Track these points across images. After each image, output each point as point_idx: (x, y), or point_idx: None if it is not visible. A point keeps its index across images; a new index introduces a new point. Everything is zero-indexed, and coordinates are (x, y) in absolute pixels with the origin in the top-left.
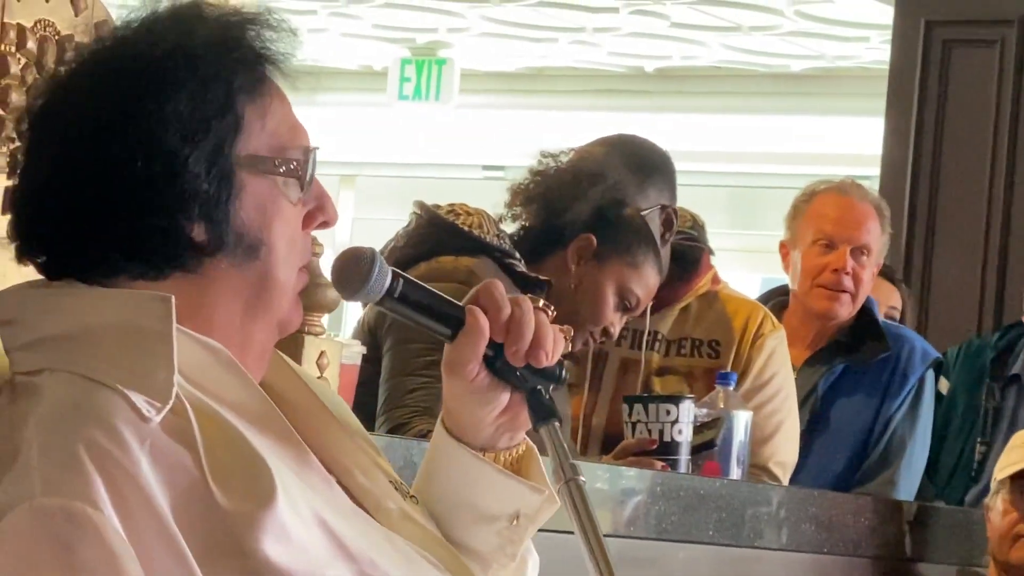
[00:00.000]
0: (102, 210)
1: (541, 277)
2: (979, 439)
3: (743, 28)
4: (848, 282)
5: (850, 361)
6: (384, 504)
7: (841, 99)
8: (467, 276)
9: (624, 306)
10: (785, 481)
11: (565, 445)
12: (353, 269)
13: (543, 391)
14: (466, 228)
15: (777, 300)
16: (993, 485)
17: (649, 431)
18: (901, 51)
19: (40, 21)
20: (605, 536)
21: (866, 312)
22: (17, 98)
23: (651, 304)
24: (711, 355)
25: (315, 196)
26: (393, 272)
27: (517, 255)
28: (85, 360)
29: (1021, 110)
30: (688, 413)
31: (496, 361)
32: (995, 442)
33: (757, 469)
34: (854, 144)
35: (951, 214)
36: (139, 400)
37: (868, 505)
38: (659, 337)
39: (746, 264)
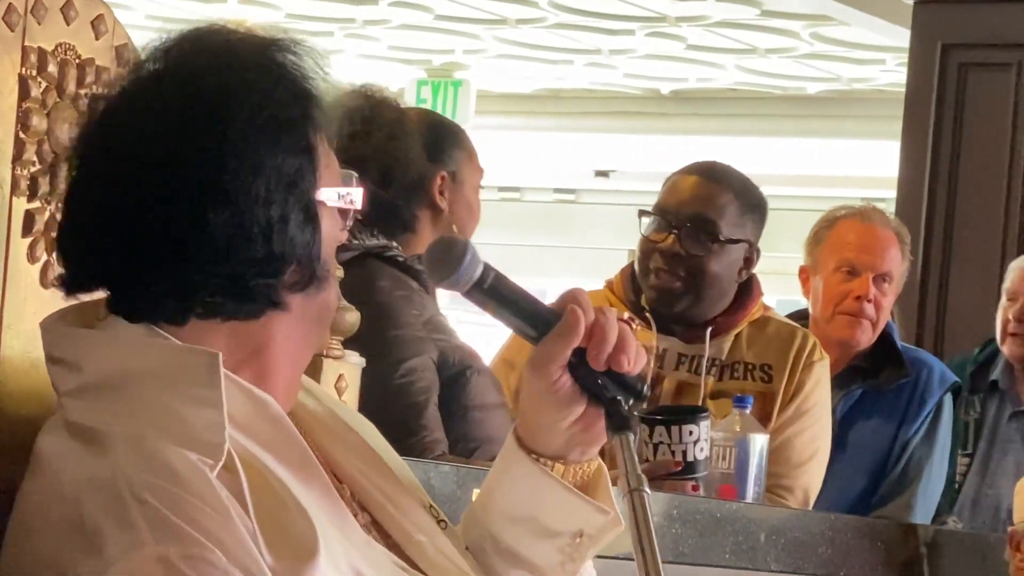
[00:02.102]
0: (204, 257)
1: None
2: (961, 451)
3: (759, 50)
4: (870, 309)
5: (868, 386)
6: (415, 537)
7: (857, 121)
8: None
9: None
10: (809, 507)
11: (636, 457)
12: (447, 255)
13: (622, 402)
14: None
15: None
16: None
17: (672, 452)
18: (917, 74)
19: (61, 44)
20: (621, 559)
21: (885, 337)
22: (38, 122)
23: (711, 330)
24: (764, 379)
25: (349, 216)
26: (486, 264)
27: (393, 244)
28: (135, 418)
29: None
30: (707, 429)
31: (579, 367)
32: (977, 453)
33: (786, 492)
34: (870, 166)
35: (967, 236)
36: (193, 458)
37: (884, 528)
38: (715, 362)
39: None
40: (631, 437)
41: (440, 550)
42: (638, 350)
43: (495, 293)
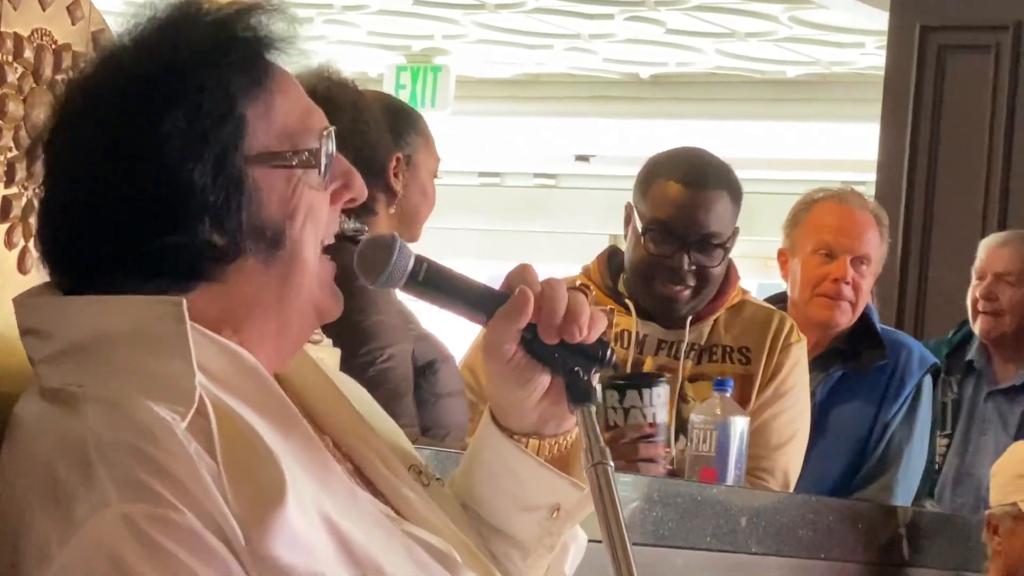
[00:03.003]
0: (115, 232)
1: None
2: (940, 432)
3: (738, 34)
4: (848, 291)
5: (848, 368)
6: (402, 492)
7: (836, 105)
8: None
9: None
10: (790, 489)
11: (597, 429)
12: (374, 254)
13: (581, 372)
14: None
15: (776, 307)
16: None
17: (643, 415)
18: (896, 57)
19: (37, 30)
20: (601, 542)
21: (865, 319)
22: (14, 108)
23: (691, 318)
24: (742, 361)
25: (340, 174)
26: (417, 257)
27: (365, 228)
28: (105, 377)
29: (1016, 115)
30: (667, 394)
31: (533, 342)
32: (956, 433)
33: (766, 474)
34: (849, 149)
35: (947, 218)
36: (163, 411)
37: (865, 511)
38: (694, 346)
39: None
40: (592, 409)
41: (428, 503)
42: (593, 318)
43: (432, 283)
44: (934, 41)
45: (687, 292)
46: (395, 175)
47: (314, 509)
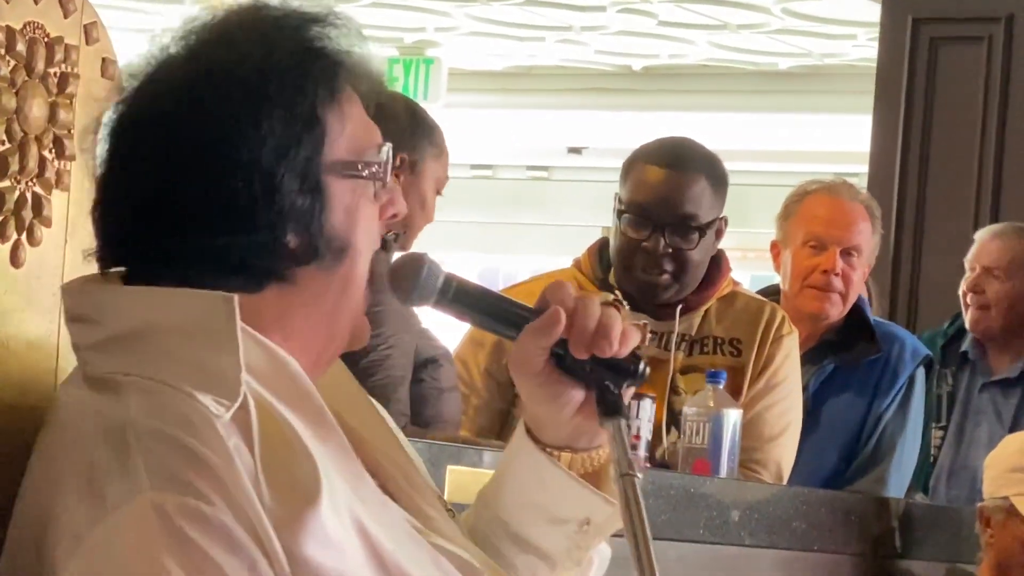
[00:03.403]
0: (196, 227)
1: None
2: (935, 424)
3: (730, 26)
4: (838, 283)
5: (841, 360)
6: (425, 511)
7: (829, 96)
8: None
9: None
10: (783, 482)
11: (627, 442)
12: (404, 272)
13: (611, 387)
14: None
15: (771, 300)
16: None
17: (629, 427)
18: (888, 48)
19: (29, 23)
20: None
21: (857, 312)
22: (7, 100)
23: (680, 308)
24: (733, 353)
25: (390, 189)
26: (447, 275)
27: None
28: (154, 365)
29: (1008, 107)
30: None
31: (565, 357)
32: (951, 425)
33: (759, 466)
34: (842, 141)
35: (939, 210)
36: (208, 400)
37: (858, 503)
38: (685, 338)
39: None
40: (622, 423)
41: (449, 525)
42: (625, 333)
43: (462, 300)
44: (926, 33)
45: (665, 277)
46: (396, 176)
47: (347, 512)
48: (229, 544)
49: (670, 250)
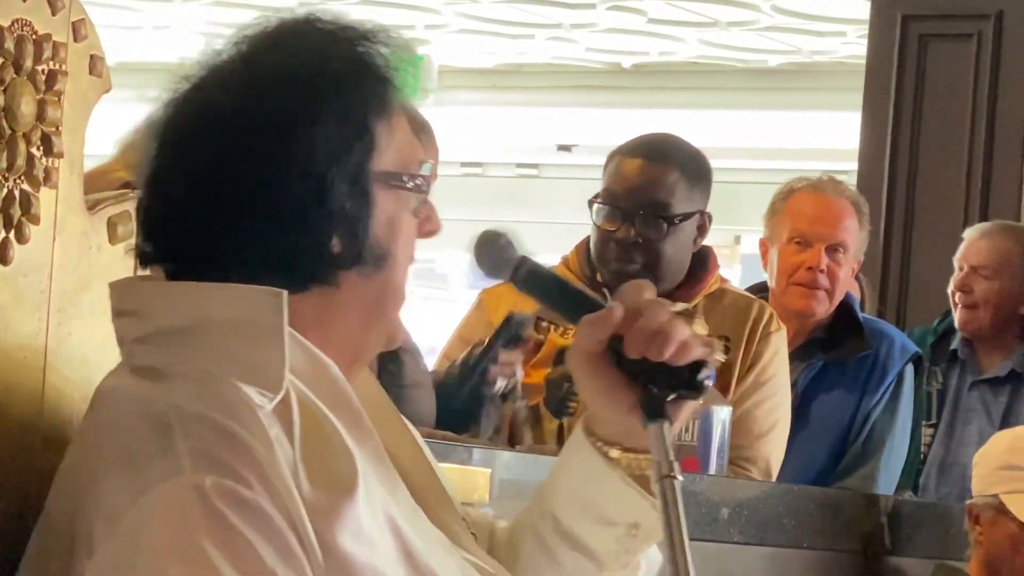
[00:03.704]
0: (248, 228)
1: None
2: (925, 422)
3: (720, 23)
4: (824, 280)
5: (830, 357)
6: (452, 526)
7: (818, 94)
8: None
9: None
10: (772, 479)
11: (669, 444)
12: (483, 245)
13: (656, 391)
14: None
15: (759, 297)
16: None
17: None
18: (878, 45)
19: (17, 20)
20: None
21: (846, 309)
22: None
23: None
24: (721, 350)
25: (429, 208)
26: (521, 257)
27: None
28: (200, 357)
29: (997, 104)
30: None
31: (622, 357)
32: (941, 423)
33: (748, 463)
34: (831, 138)
35: (929, 207)
36: (251, 391)
37: (847, 500)
38: None
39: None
40: (665, 426)
41: (474, 544)
42: (686, 343)
43: (533, 281)
44: (915, 30)
45: (635, 267)
46: None
47: (381, 510)
48: (265, 528)
49: (640, 240)
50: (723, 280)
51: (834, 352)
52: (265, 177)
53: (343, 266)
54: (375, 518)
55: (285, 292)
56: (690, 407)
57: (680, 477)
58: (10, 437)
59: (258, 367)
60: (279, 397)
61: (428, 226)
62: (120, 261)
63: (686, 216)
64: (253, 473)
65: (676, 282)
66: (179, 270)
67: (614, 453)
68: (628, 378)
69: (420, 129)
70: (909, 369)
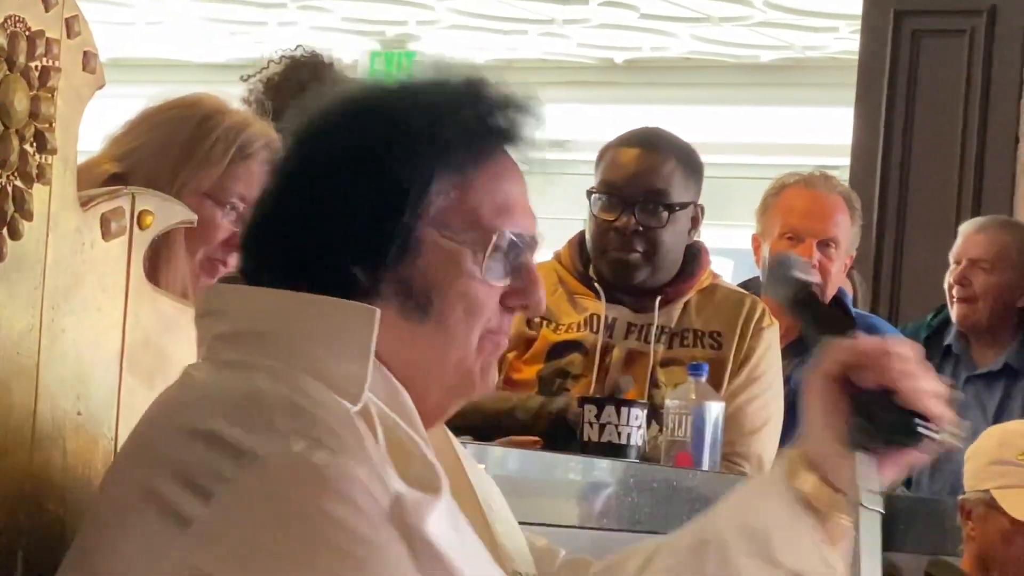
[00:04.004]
0: (331, 253)
1: None
2: None
3: (712, 19)
4: (815, 275)
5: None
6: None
7: (811, 89)
8: None
9: None
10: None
11: (871, 475)
12: (776, 265)
13: (873, 423)
14: None
15: (751, 293)
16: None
17: (618, 433)
18: (870, 41)
19: (10, 17)
20: (577, 528)
21: (839, 304)
22: None
23: (660, 299)
24: (713, 346)
25: (523, 279)
26: (805, 279)
27: None
28: (284, 359)
29: (990, 99)
30: (644, 419)
31: (855, 386)
32: None
33: (741, 459)
34: (824, 134)
35: (921, 202)
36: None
37: None
38: (665, 330)
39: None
40: (867, 458)
41: None
42: (928, 388)
43: (807, 304)
44: (908, 25)
45: (636, 256)
46: None
47: (460, 517)
48: (367, 503)
49: (640, 228)
50: (715, 275)
51: None
52: (330, 199)
53: (360, 294)
54: (455, 525)
55: (377, 310)
56: (903, 458)
57: (882, 511)
58: (3, 433)
59: (340, 377)
60: (357, 408)
61: (521, 300)
62: (113, 257)
63: (683, 205)
64: (351, 454)
65: (671, 275)
66: (257, 273)
67: (809, 483)
68: (853, 406)
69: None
70: None
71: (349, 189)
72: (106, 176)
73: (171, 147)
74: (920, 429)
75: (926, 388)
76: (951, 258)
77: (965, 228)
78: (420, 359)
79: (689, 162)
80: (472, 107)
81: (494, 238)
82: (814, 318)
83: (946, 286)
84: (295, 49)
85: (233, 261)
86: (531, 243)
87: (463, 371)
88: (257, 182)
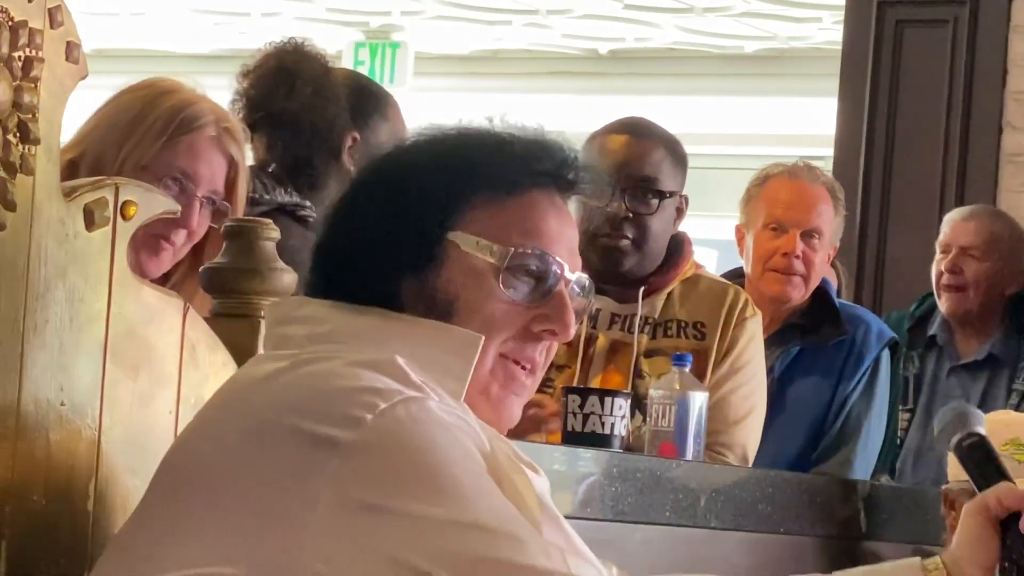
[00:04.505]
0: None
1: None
2: (902, 407)
3: (696, 9)
4: (799, 265)
5: (806, 343)
6: None
7: (795, 80)
8: None
9: None
10: (749, 464)
11: None
12: (954, 420)
13: (1014, 561)
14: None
15: (735, 283)
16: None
17: (602, 424)
18: (854, 31)
19: None
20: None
21: (823, 294)
22: None
23: (643, 289)
24: (697, 336)
25: (553, 305)
26: (977, 433)
27: (307, 203)
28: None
29: (973, 89)
30: (628, 409)
31: (1011, 526)
32: (918, 408)
33: (724, 449)
34: (808, 124)
35: (905, 193)
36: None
37: (823, 485)
38: (648, 320)
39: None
40: None
41: None
42: None
43: (971, 457)
44: (892, 15)
45: (626, 243)
46: (349, 154)
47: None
48: (478, 445)
49: (631, 215)
50: (698, 266)
51: (810, 338)
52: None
53: (417, 311)
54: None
55: (482, 338)
56: None
57: None
58: None
59: (442, 388)
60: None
61: (548, 324)
62: (97, 248)
63: (671, 194)
64: (461, 415)
65: (655, 264)
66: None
67: None
68: (1002, 545)
69: (379, 106)
70: (885, 354)
71: (393, 208)
72: (64, 163)
73: (118, 127)
74: None
75: None
76: (938, 247)
77: (952, 216)
78: (449, 363)
79: (675, 152)
80: (523, 141)
81: (513, 251)
82: (984, 469)
83: (934, 275)
84: (282, 41)
85: (177, 239)
86: (560, 270)
87: (477, 389)
88: (204, 157)
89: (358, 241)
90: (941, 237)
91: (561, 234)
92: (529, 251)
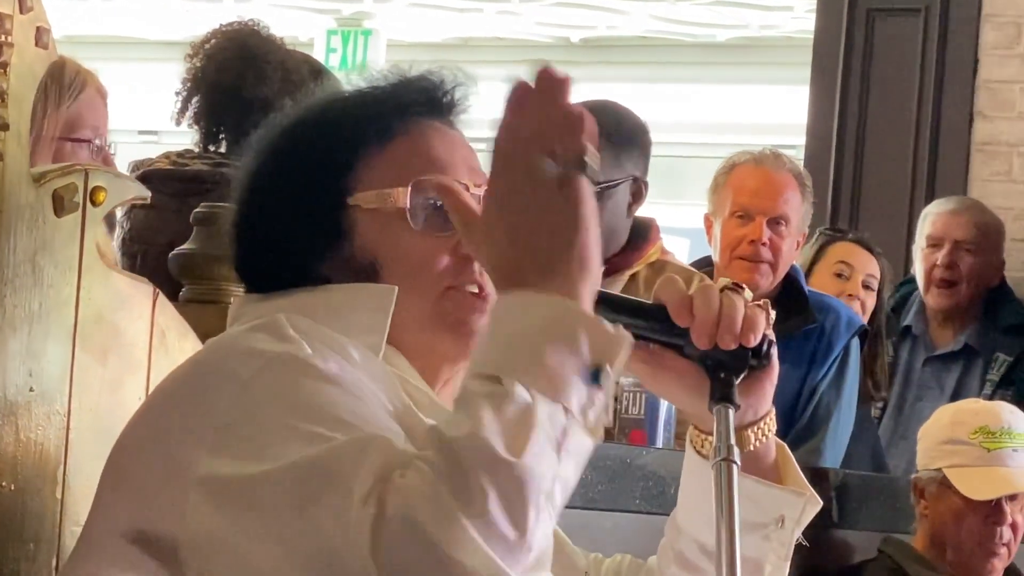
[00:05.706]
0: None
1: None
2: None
3: None
4: (766, 253)
5: (775, 331)
6: None
7: (766, 68)
8: None
9: None
10: None
11: (731, 428)
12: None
13: (723, 374)
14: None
15: (703, 271)
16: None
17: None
18: (825, 20)
19: None
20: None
21: (792, 283)
22: None
23: (603, 269)
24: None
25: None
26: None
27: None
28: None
29: (945, 78)
30: None
31: (687, 347)
32: (891, 397)
33: None
34: (780, 113)
35: (876, 182)
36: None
37: None
38: None
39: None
40: (730, 410)
41: None
42: (748, 319)
43: (609, 304)
44: (863, 5)
45: None
46: None
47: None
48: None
49: None
50: (665, 251)
51: (780, 326)
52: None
53: (310, 280)
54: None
55: (396, 288)
56: (769, 379)
57: (738, 462)
58: None
59: (362, 335)
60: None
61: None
62: (66, 233)
63: (613, 184)
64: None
65: (613, 251)
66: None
67: (745, 436)
68: (697, 366)
69: None
70: (855, 343)
71: (288, 198)
72: None
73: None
74: (765, 352)
75: (742, 316)
76: (924, 239)
77: (938, 209)
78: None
79: (622, 136)
80: (385, 88)
81: (410, 188)
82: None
83: (923, 268)
84: (237, 22)
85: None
86: (431, 185)
87: (432, 328)
88: (95, 109)
89: (271, 235)
90: (929, 230)
91: (452, 155)
92: (423, 180)
